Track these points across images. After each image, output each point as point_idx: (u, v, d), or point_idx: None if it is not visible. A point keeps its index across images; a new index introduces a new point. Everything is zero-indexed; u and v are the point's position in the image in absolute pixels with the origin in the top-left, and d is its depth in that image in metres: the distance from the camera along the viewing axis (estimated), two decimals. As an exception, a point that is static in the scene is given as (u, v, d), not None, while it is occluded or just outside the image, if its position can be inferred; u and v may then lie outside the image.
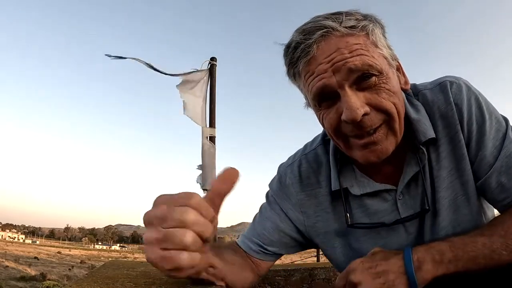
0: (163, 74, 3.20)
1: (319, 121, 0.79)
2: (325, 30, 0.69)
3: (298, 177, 0.93)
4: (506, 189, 0.75)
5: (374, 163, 0.75)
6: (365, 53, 0.69)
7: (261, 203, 1.03)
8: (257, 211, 1.02)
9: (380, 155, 0.73)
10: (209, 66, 3.34)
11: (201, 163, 3.07)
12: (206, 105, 3.23)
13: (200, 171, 3.08)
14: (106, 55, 3.14)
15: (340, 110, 0.71)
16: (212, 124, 3.20)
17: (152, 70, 3.18)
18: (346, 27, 0.69)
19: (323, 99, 0.73)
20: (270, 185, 1.02)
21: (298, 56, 0.72)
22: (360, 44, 0.69)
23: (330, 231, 0.89)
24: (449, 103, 0.78)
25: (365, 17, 0.73)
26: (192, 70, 3.22)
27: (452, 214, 0.78)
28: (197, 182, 3.11)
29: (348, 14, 0.72)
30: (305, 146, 0.99)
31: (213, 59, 3.37)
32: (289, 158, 1.00)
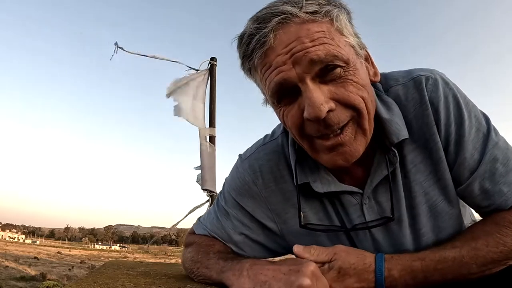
0: (166, 60, 3.19)
1: (280, 119, 0.71)
2: (282, 16, 0.61)
3: (258, 172, 0.83)
4: (490, 195, 0.70)
5: (342, 167, 0.68)
6: (329, 42, 0.61)
7: (217, 200, 0.93)
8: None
9: (349, 158, 0.66)
10: (209, 66, 3.33)
11: (199, 164, 3.06)
12: (206, 105, 3.23)
13: (199, 171, 3.08)
14: (118, 47, 3.08)
15: (302, 106, 0.63)
16: (212, 124, 3.20)
17: (152, 58, 3.17)
18: (307, 13, 0.61)
19: (283, 95, 0.65)
20: (228, 182, 0.90)
21: (253, 47, 0.63)
22: (323, 31, 0.61)
23: (301, 229, 0.80)
24: (424, 102, 0.71)
25: (329, 1, 0.64)
26: (191, 68, 3.21)
27: (434, 221, 0.74)
28: (197, 182, 3.10)
29: None
30: (265, 136, 0.89)
31: (213, 59, 3.37)
32: (247, 150, 0.89)
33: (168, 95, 2.99)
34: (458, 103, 0.70)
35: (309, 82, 0.61)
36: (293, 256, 0.89)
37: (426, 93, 0.71)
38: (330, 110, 0.61)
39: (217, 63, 3.37)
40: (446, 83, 0.72)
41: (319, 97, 0.61)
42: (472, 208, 0.77)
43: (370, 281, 0.64)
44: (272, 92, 0.65)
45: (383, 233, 0.75)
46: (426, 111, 0.71)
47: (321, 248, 0.67)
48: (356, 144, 0.65)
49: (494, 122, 0.74)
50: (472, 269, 0.64)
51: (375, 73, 0.73)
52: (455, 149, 0.70)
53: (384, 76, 0.77)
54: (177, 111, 3.01)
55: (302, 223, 0.76)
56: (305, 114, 0.62)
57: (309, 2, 0.62)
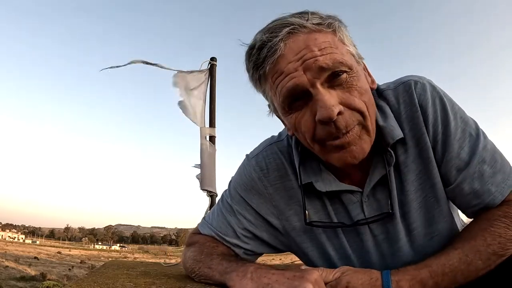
0: (162, 68, 3.18)
1: (291, 126, 0.74)
2: (292, 27, 0.66)
3: (265, 170, 0.87)
4: (479, 194, 0.73)
5: (351, 164, 0.72)
6: (334, 51, 0.66)
7: (222, 197, 0.96)
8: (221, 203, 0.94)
9: (356, 155, 0.70)
10: (209, 66, 3.33)
11: (199, 163, 3.06)
12: (206, 105, 3.23)
13: (198, 169, 3.07)
14: (102, 69, 3.17)
15: (314, 110, 0.67)
16: (212, 123, 3.19)
17: (151, 66, 3.17)
18: (313, 24, 0.67)
19: (294, 101, 0.69)
20: (234, 179, 0.94)
21: (265, 56, 0.67)
22: (328, 41, 0.67)
23: (303, 226, 0.84)
24: (414, 105, 0.75)
25: (328, 16, 0.71)
26: (192, 70, 3.21)
27: (424, 216, 0.78)
28: (197, 178, 3.09)
29: (312, 13, 0.70)
30: (272, 137, 0.93)
31: (213, 59, 3.36)
32: (254, 150, 0.94)
33: (174, 85, 2.99)
34: (444, 105, 0.75)
35: (319, 86, 0.66)
36: (293, 255, 0.91)
37: (415, 95, 0.75)
38: (339, 113, 0.65)
39: (217, 63, 3.36)
40: (433, 87, 0.77)
41: (330, 99, 0.65)
42: (460, 209, 0.80)
43: None
44: (284, 98, 0.69)
45: (381, 229, 0.80)
46: (416, 113, 0.75)
47: (328, 269, 0.69)
48: (362, 143, 0.70)
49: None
50: (479, 265, 0.66)
51: (372, 81, 0.78)
52: (442, 148, 0.75)
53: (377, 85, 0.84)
54: (181, 108, 3.01)
55: (308, 221, 0.80)
56: (318, 116, 0.66)
57: (313, 15, 0.69)
